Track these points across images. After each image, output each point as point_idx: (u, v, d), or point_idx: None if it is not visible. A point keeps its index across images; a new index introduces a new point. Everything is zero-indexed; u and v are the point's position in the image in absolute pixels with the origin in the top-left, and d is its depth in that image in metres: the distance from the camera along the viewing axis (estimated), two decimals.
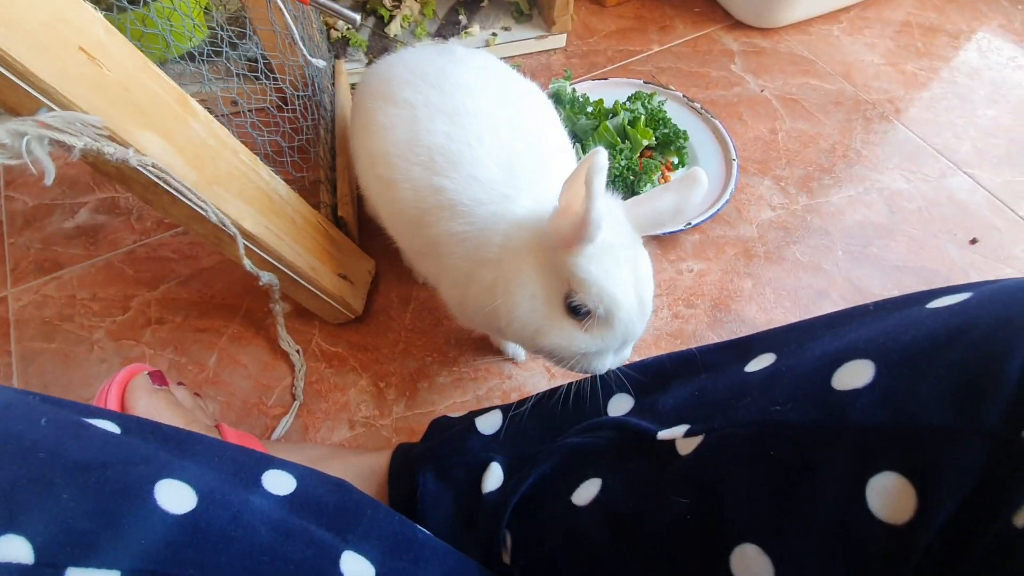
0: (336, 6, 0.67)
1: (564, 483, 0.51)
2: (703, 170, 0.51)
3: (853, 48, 1.29)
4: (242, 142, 0.66)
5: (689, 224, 0.93)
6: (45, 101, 0.48)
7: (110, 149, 0.48)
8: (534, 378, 0.82)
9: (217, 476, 0.42)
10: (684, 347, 0.85)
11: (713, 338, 0.87)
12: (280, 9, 0.76)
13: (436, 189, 0.59)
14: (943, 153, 1.11)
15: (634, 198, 0.54)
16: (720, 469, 0.42)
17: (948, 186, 1.07)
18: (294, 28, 0.73)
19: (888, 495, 0.34)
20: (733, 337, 0.73)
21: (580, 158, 0.94)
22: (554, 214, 0.50)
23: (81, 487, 0.36)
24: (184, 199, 0.59)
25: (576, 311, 0.51)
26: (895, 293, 0.92)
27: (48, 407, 0.40)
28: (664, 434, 0.47)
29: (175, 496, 0.38)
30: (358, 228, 0.89)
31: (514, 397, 0.81)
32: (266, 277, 0.68)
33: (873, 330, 0.42)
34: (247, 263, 0.64)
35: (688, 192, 0.51)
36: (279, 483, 0.47)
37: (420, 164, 0.60)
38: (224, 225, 0.60)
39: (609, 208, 0.50)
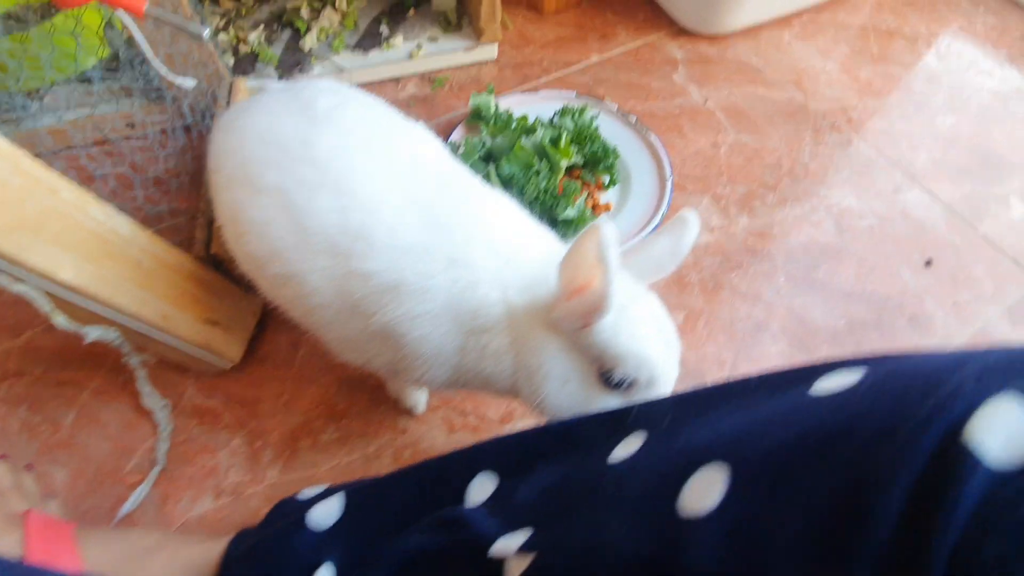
0: (176, 19, 0.58)
1: None
2: (694, 211, 0.51)
3: (805, 54, 1.21)
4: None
5: None
6: None
7: None
8: (431, 432, 0.73)
9: None
10: None
11: None
12: (138, 23, 0.67)
13: (363, 275, 0.50)
14: (898, 165, 1.03)
15: (628, 246, 0.53)
16: None
17: (902, 202, 0.99)
18: (143, 43, 0.64)
19: None
20: None
21: (491, 180, 0.85)
22: (558, 300, 0.48)
23: None
24: None
25: (619, 384, 0.49)
26: (841, 324, 0.84)
27: None
28: (496, 549, 0.38)
29: None
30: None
31: (407, 456, 0.72)
32: (95, 333, 0.59)
33: (743, 420, 0.34)
34: (60, 320, 0.55)
35: (680, 234, 0.51)
36: None
37: (324, 251, 0.51)
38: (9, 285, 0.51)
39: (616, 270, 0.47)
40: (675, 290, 0.85)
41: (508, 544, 0.38)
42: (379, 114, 0.60)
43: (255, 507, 0.67)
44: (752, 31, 1.25)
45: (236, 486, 0.69)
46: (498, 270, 0.51)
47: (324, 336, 0.58)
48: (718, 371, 0.79)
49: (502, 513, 0.42)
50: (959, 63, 1.22)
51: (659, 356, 0.48)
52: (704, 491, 0.31)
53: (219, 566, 0.52)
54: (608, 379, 0.49)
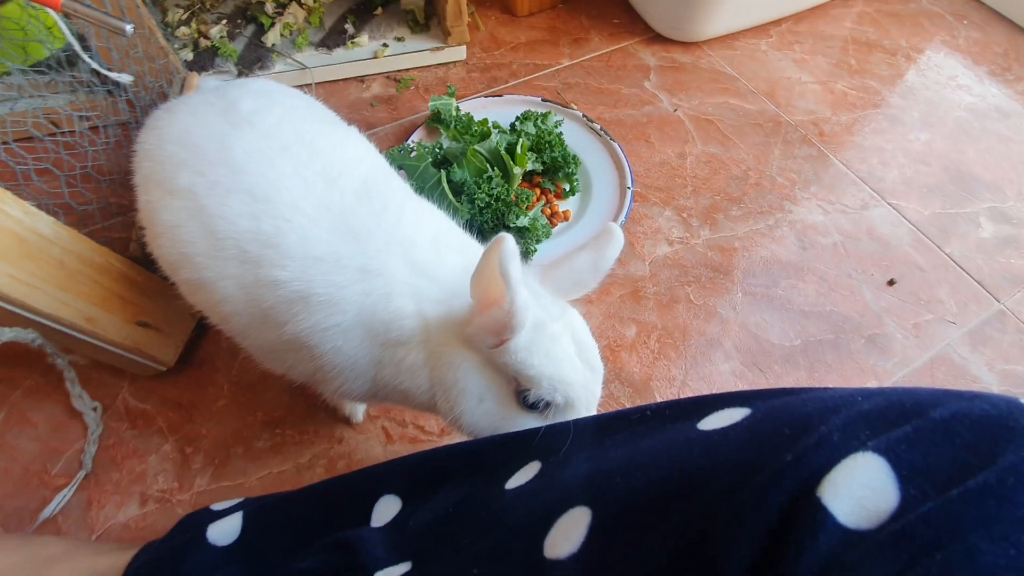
0: (95, 13, 0.57)
1: None
2: (617, 225, 0.49)
3: (780, 65, 1.19)
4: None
5: None
6: None
7: None
8: (368, 443, 0.72)
9: None
10: None
11: None
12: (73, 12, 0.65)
13: (272, 284, 0.49)
14: (867, 181, 1.02)
15: (549, 262, 0.51)
16: None
17: (869, 219, 0.97)
18: (71, 36, 0.62)
19: None
20: (605, 394, 0.71)
21: (443, 186, 0.83)
22: (472, 315, 0.46)
23: None
24: None
25: (535, 406, 0.47)
26: (797, 343, 0.82)
27: None
28: None
29: None
30: None
31: (341, 466, 0.70)
32: (7, 335, 0.57)
33: (623, 455, 0.33)
34: None
35: (604, 248, 0.48)
36: None
37: (233, 259, 0.50)
38: None
39: (527, 288, 0.44)
40: (629, 303, 0.84)
41: (387, 575, 0.36)
42: (305, 116, 0.58)
43: (181, 515, 0.65)
44: (728, 39, 1.23)
45: (163, 493, 0.67)
46: (413, 282, 0.49)
47: (242, 344, 0.56)
48: (667, 388, 0.78)
49: (394, 540, 0.41)
50: (938, 78, 1.20)
51: (576, 378, 0.46)
52: (568, 533, 0.29)
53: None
54: (524, 399, 0.47)
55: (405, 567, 0.36)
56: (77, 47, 0.62)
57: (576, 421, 0.41)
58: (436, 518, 0.41)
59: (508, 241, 0.39)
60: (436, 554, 0.36)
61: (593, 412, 0.48)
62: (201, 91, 0.59)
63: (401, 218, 0.52)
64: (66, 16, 0.64)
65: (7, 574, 0.50)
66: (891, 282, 0.90)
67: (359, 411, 0.73)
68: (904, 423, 0.24)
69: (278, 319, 0.49)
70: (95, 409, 0.71)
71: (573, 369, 0.46)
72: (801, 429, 0.26)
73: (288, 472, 0.69)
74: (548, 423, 0.45)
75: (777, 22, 1.28)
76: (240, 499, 0.54)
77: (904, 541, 0.21)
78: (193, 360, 0.76)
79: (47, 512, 0.65)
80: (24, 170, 0.65)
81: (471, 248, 0.56)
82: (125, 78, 0.68)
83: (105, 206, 0.78)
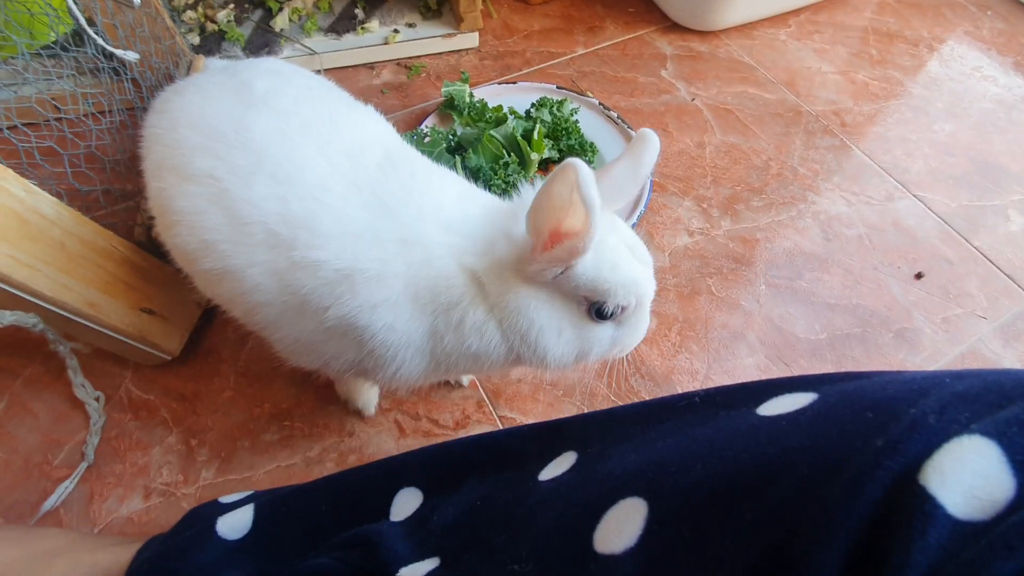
0: None
1: None
2: (651, 130, 0.48)
3: (800, 54, 1.16)
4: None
5: None
6: None
7: None
8: (380, 436, 0.69)
9: None
10: (567, 400, 0.73)
11: (601, 389, 0.73)
12: None
13: (311, 266, 0.46)
14: (891, 173, 0.99)
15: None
16: None
17: (894, 210, 0.94)
18: (78, 12, 0.60)
19: None
20: (621, 386, 0.73)
21: (457, 171, 0.81)
22: (530, 251, 0.45)
23: None
24: None
25: (611, 315, 0.48)
26: (823, 337, 0.79)
27: None
28: (404, 573, 0.34)
29: None
30: None
31: (352, 461, 0.67)
32: (8, 318, 0.55)
33: (675, 445, 0.30)
34: None
35: (640, 153, 0.48)
36: None
37: (262, 244, 0.47)
38: None
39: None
40: None
41: (413, 573, 0.33)
42: (321, 96, 0.55)
43: (185, 509, 0.62)
44: (746, 28, 1.20)
45: (167, 486, 0.65)
46: (450, 242, 0.48)
47: (272, 338, 0.52)
48: (690, 382, 0.75)
49: (417, 536, 0.38)
50: (962, 68, 1.17)
51: (640, 277, 0.48)
52: (621, 527, 0.27)
53: (125, 574, 0.48)
54: (600, 312, 0.47)
55: (431, 564, 0.34)
56: (83, 22, 0.59)
57: (615, 410, 0.38)
58: (462, 512, 0.38)
59: (581, 166, 0.38)
60: (467, 551, 0.34)
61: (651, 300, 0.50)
62: (209, 71, 0.56)
63: (427, 185, 0.50)
64: None
65: (6, 568, 0.48)
66: (919, 275, 0.87)
67: (372, 403, 0.70)
68: (1009, 404, 0.21)
69: (319, 304, 0.46)
70: (97, 399, 0.68)
71: (635, 271, 0.47)
72: (888, 413, 0.23)
73: (297, 466, 0.66)
74: (623, 329, 0.49)
75: (796, 12, 1.25)
76: (250, 492, 0.51)
77: None
78: (199, 350, 0.74)
79: (48, 504, 0.62)
80: (28, 148, 0.62)
81: (489, 200, 0.54)
82: (131, 56, 0.65)
83: (109, 189, 0.76)
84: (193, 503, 0.64)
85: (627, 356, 0.75)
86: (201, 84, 0.55)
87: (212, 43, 1.01)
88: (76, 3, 0.60)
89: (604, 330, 0.49)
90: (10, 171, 0.56)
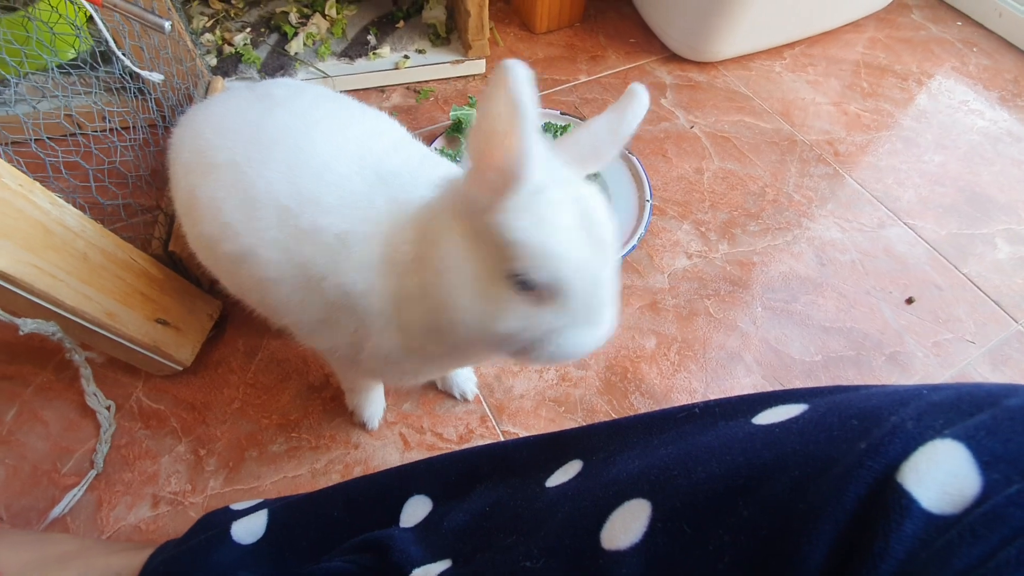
0: (136, 9, 0.57)
1: None
2: (642, 86, 0.41)
3: (795, 86, 1.21)
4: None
5: None
6: None
7: None
8: (385, 449, 0.70)
9: None
10: (568, 416, 0.75)
11: (602, 406, 0.75)
12: (114, 13, 0.66)
13: (313, 231, 0.48)
14: (883, 201, 1.02)
15: (563, 136, 0.43)
16: None
17: (886, 237, 0.97)
18: (107, 34, 0.63)
19: None
20: (622, 403, 0.72)
21: None
22: (467, 174, 0.40)
23: None
24: None
25: (525, 285, 0.39)
26: (818, 359, 0.81)
27: None
28: (418, 573, 0.36)
29: None
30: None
31: (357, 472, 0.69)
32: (30, 325, 0.57)
33: (676, 451, 0.32)
34: None
35: (625, 109, 0.41)
36: None
37: (273, 221, 0.49)
38: None
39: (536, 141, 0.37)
40: (648, 315, 0.83)
41: (426, 573, 0.35)
42: (334, 98, 0.58)
43: (193, 519, 0.63)
44: (743, 60, 1.25)
45: (176, 495, 0.65)
46: (427, 198, 0.47)
47: (285, 320, 0.54)
48: (688, 400, 0.77)
49: (429, 540, 0.39)
50: (950, 102, 1.21)
51: (571, 254, 0.38)
52: (627, 525, 0.28)
53: None
54: (516, 278, 0.39)
55: (444, 565, 0.35)
56: (112, 44, 0.62)
57: (618, 421, 0.40)
58: (473, 517, 0.39)
59: (516, 66, 0.33)
60: (478, 552, 0.35)
61: (601, 300, 0.40)
62: (232, 90, 0.59)
63: (427, 163, 0.52)
64: (105, 13, 0.65)
65: (21, 570, 0.48)
66: (910, 300, 0.90)
67: (376, 417, 0.72)
68: (978, 412, 0.24)
69: (320, 272, 0.48)
70: (108, 408, 0.70)
71: (568, 242, 0.38)
72: (871, 420, 0.25)
73: (303, 477, 0.67)
74: (541, 314, 0.39)
75: (791, 45, 1.30)
76: (261, 499, 0.53)
77: (995, 523, 0.20)
78: (209, 361, 0.75)
79: (56, 512, 0.63)
80: (54, 163, 0.65)
81: None
82: (156, 77, 0.68)
83: (130, 203, 0.78)
84: (200, 512, 0.65)
85: (629, 373, 0.77)
86: (224, 97, 0.59)
87: (229, 65, 1.04)
88: (105, 27, 0.63)
89: (517, 303, 0.40)
90: (37, 183, 0.58)
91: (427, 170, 0.50)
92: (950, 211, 1.02)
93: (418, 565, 0.36)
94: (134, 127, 0.76)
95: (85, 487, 0.65)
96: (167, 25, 0.58)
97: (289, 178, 0.50)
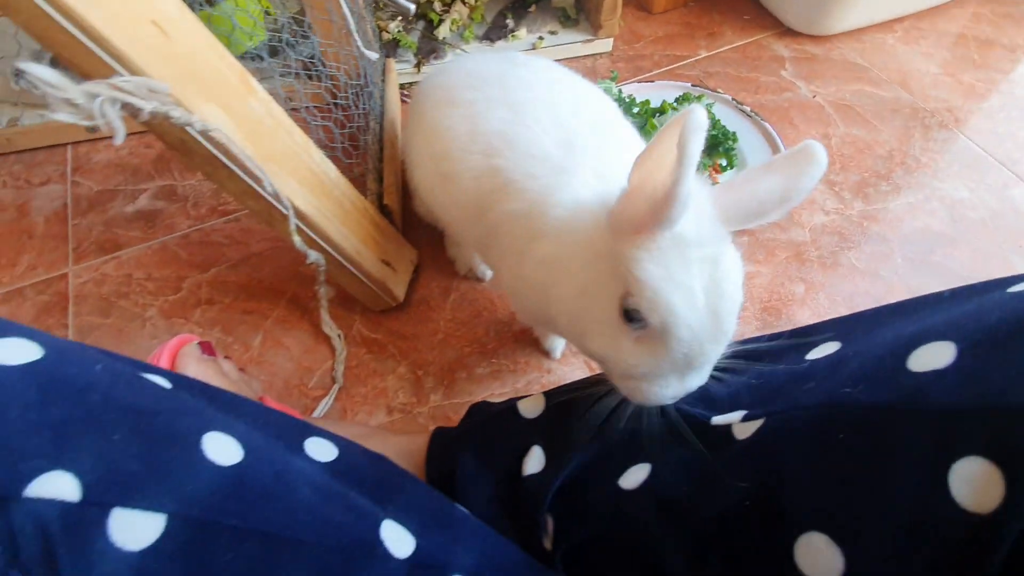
0: None
1: (610, 467, 0.49)
2: (819, 143, 0.40)
3: (908, 57, 1.25)
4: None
5: None
6: (116, 67, 0.50)
7: (176, 113, 0.50)
8: (574, 373, 0.80)
9: (261, 436, 0.41)
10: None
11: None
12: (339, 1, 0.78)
13: (493, 171, 0.59)
14: (1005, 164, 1.06)
15: (725, 183, 0.44)
16: (783, 453, 0.40)
17: (1012, 197, 1.01)
18: (350, 19, 0.75)
19: (973, 482, 0.31)
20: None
21: None
22: (622, 195, 0.42)
23: (131, 430, 0.36)
24: (240, 173, 0.60)
25: (631, 317, 0.42)
26: None
27: (104, 357, 0.40)
28: (719, 419, 0.45)
29: (222, 448, 0.38)
30: (402, 219, 0.90)
31: None
32: (313, 256, 0.69)
33: (951, 314, 0.39)
34: (297, 240, 0.65)
35: (800, 171, 0.40)
36: (321, 450, 0.47)
37: (479, 152, 0.61)
38: (278, 199, 0.61)
39: (695, 191, 0.38)
40: (795, 264, 0.91)
41: (728, 418, 0.44)
42: (566, 71, 0.69)
43: (423, 423, 0.75)
44: (856, 33, 1.29)
45: (405, 405, 0.77)
46: (592, 185, 0.53)
47: (464, 238, 0.69)
48: None
49: (703, 405, 0.48)
50: None
51: (684, 308, 0.40)
52: (933, 357, 0.35)
53: (426, 451, 0.60)
54: (625, 307, 0.42)
55: (739, 414, 0.44)
56: (352, 28, 0.74)
57: (861, 312, 0.47)
58: (738, 388, 0.47)
59: (698, 112, 0.34)
60: (773, 400, 0.43)
61: (697, 365, 0.43)
62: (472, 53, 0.73)
63: (614, 141, 0.59)
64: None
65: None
66: None
67: (557, 348, 0.82)
68: None
69: (487, 203, 0.60)
70: (339, 336, 0.82)
71: (686, 302, 0.40)
72: None
73: (508, 393, 0.78)
74: (636, 350, 0.42)
75: (901, 19, 1.34)
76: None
77: None
78: (412, 299, 0.87)
79: (316, 414, 0.76)
80: (315, 125, 0.78)
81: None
82: (374, 55, 0.80)
83: (356, 165, 0.91)
84: (428, 420, 0.76)
85: (783, 315, 0.85)
86: (470, 56, 0.73)
87: (389, 49, 1.17)
88: (351, 12, 0.75)
89: (617, 330, 0.43)
90: (310, 140, 0.71)
91: (605, 146, 0.56)
92: None
93: (720, 413, 0.45)
94: (335, 105, 0.88)
95: (333, 397, 0.77)
96: (412, 8, 0.69)
97: (505, 120, 0.60)
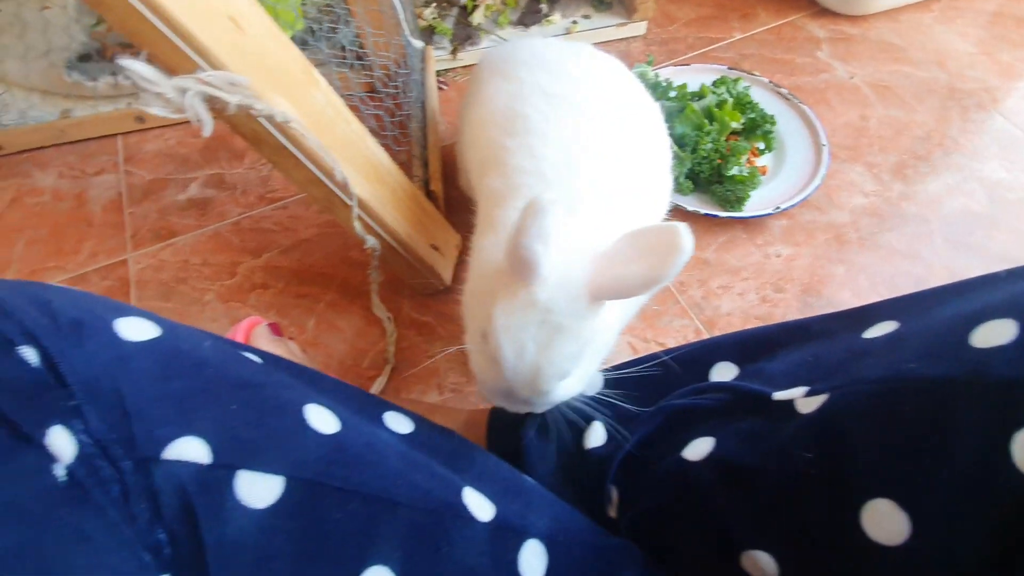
0: None
1: (673, 440, 0.51)
2: (687, 228, 0.41)
3: (945, 37, 1.24)
4: None
5: (778, 208, 0.91)
6: (200, 61, 0.52)
7: (260, 106, 0.52)
8: (619, 356, 0.83)
9: (346, 409, 0.44)
10: None
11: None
12: None
13: (499, 146, 0.63)
14: None
15: (603, 254, 0.46)
16: (848, 424, 0.41)
17: None
18: (399, 7, 0.76)
19: None
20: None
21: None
22: (509, 238, 0.45)
23: (244, 401, 0.39)
24: (307, 163, 0.63)
25: (486, 338, 0.49)
26: None
27: (207, 336, 0.44)
28: (780, 394, 0.47)
29: (322, 419, 0.41)
30: (446, 204, 0.92)
31: None
32: (370, 241, 0.72)
33: (1010, 293, 0.41)
34: (357, 226, 0.68)
35: (665, 258, 0.42)
36: (399, 423, 0.50)
37: (498, 125, 0.64)
38: (346, 186, 0.63)
39: (568, 264, 0.45)
40: (835, 245, 0.92)
41: (790, 393, 0.46)
42: (627, 83, 0.70)
43: (474, 402, 0.78)
44: (892, 13, 1.28)
45: (456, 385, 0.80)
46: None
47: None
48: None
49: (761, 382, 0.50)
50: None
51: (509, 359, 0.45)
52: (995, 334, 0.37)
53: (487, 425, 0.63)
54: (484, 329, 0.49)
55: (802, 390, 0.46)
56: (402, 17, 0.76)
57: (918, 292, 0.49)
58: (796, 365, 0.49)
59: (543, 200, 0.41)
60: (834, 375, 0.45)
61: (523, 404, 0.50)
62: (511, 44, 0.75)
63: (610, 186, 0.58)
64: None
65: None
66: None
67: None
68: None
69: (483, 170, 0.65)
70: (389, 318, 0.85)
71: (516, 354, 0.45)
72: None
73: None
74: (487, 365, 0.50)
75: None
76: None
77: None
78: (456, 283, 0.89)
79: (373, 391, 0.79)
80: (368, 113, 0.81)
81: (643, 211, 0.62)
82: (418, 44, 0.82)
83: (403, 152, 0.93)
84: (479, 399, 0.79)
85: (824, 296, 0.86)
86: (545, 40, 0.77)
87: (425, 36, 1.18)
88: (399, 5, 0.77)
89: (480, 338, 0.50)
90: (365, 129, 0.73)
91: (610, 182, 0.58)
92: None
93: (778, 389, 0.47)
94: (385, 94, 0.90)
95: (387, 375, 0.80)
96: None
97: (536, 106, 0.62)
